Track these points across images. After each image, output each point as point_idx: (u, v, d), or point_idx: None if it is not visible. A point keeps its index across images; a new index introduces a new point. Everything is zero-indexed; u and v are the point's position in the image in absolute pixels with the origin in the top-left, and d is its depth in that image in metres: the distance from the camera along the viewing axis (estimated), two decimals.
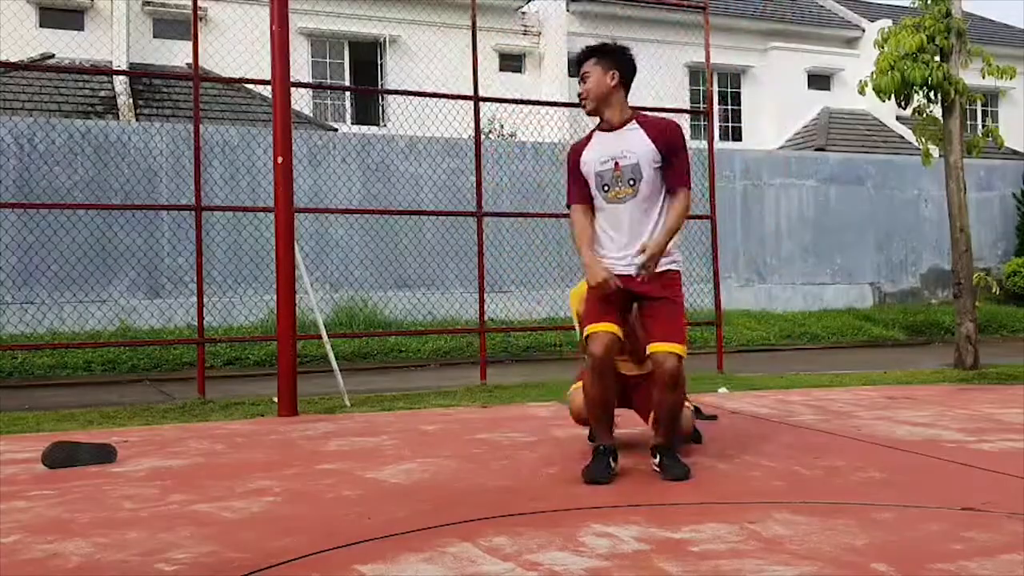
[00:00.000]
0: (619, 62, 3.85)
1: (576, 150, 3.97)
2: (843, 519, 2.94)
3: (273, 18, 6.22)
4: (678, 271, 3.83)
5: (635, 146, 3.78)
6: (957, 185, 8.80)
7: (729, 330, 11.80)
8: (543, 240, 13.04)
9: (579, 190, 3.91)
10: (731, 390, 7.07)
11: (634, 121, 3.85)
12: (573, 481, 3.64)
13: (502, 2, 19.13)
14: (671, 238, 3.77)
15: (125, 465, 4.18)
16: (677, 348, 3.67)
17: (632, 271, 3.73)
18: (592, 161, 3.85)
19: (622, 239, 3.80)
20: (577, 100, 4.00)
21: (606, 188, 3.81)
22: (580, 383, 4.07)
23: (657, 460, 3.70)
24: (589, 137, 3.96)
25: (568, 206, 3.96)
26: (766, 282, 15.62)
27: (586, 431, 4.27)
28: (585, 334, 3.74)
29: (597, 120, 3.92)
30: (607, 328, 3.69)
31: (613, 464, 3.66)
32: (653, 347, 3.69)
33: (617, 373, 3.88)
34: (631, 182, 3.77)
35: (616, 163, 3.77)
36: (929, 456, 4.05)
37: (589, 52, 3.89)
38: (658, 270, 3.74)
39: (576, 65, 3.94)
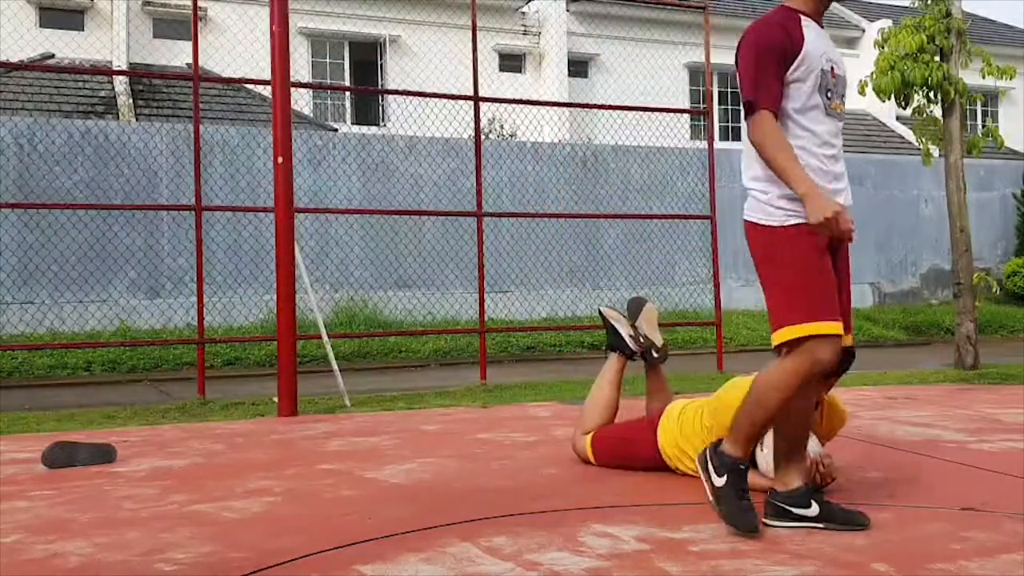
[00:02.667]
0: None
1: (783, 26, 2.82)
2: None
3: (273, 18, 6.22)
4: None
5: (841, 59, 2.97)
6: (957, 185, 8.80)
7: (729, 330, 11.79)
8: (543, 240, 13.04)
9: (778, 87, 2.80)
10: None
11: None
12: (573, 481, 3.64)
13: (502, 2, 19.13)
14: None
15: (125, 465, 4.18)
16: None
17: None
18: (817, 53, 2.83)
19: (837, 168, 2.90)
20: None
21: (829, 95, 2.86)
22: (594, 432, 3.88)
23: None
24: (791, 17, 2.86)
25: (753, 109, 2.81)
26: None
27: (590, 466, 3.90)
28: (814, 332, 2.70)
29: None
30: (840, 331, 2.76)
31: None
32: (847, 339, 2.91)
33: None
34: (842, 97, 2.95)
35: (833, 68, 2.88)
36: (929, 456, 4.05)
37: None
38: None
39: None
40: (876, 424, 5.02)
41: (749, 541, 2.71)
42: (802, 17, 2.87)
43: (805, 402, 2.85)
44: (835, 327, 2.73)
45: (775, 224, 2.83)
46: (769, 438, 3.32)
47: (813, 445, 3.29)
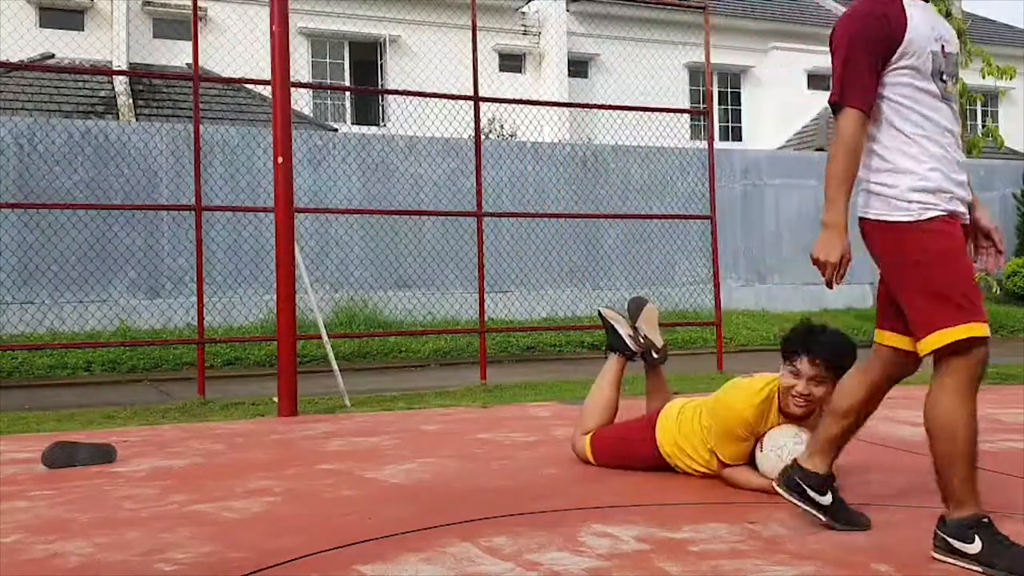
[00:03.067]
0: None
1: (882, 13, 2.56)
2: None
3: (273, 18, 6.22)
4: None
5: (951, 35, 2.72)
6: None
7: (729, 330, 11.79)
8: (543, 240, 13.04)
9: (872, 83, 2.57)
10: None
11: None
12: (573, 481, 3.64)
13: (502, 2, 19.13)
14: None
15: (125, 465, 4.18)
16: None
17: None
18: (926, 34, 2.59)
19: (960, 156, 2.62)
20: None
21: (943, 78, 2.60)
22: (594, 431, 3.91)
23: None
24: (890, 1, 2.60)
25: (840, 106, 2.58)
26: (766, 282, 15.61)
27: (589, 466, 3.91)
28: (970, 334, 2.45)
29: None
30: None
31: None
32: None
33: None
34: (954, 78, 2.66)
35: (943, 47, 2.62)
36: (929, 456, 4.04)
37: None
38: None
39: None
40: (876, 424, 5.01)
41: (749, 541, 2.71)
42: None
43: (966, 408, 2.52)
44: (986, 329, 2.49)
45: (910, 219, 2.54)
46: (768, 438, 3.32)
47: None
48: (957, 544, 2.44)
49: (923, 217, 2.53)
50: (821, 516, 2.79)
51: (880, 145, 2.61)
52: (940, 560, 2.47)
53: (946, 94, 2.61)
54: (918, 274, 2.53)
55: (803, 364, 3.19)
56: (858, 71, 2.55)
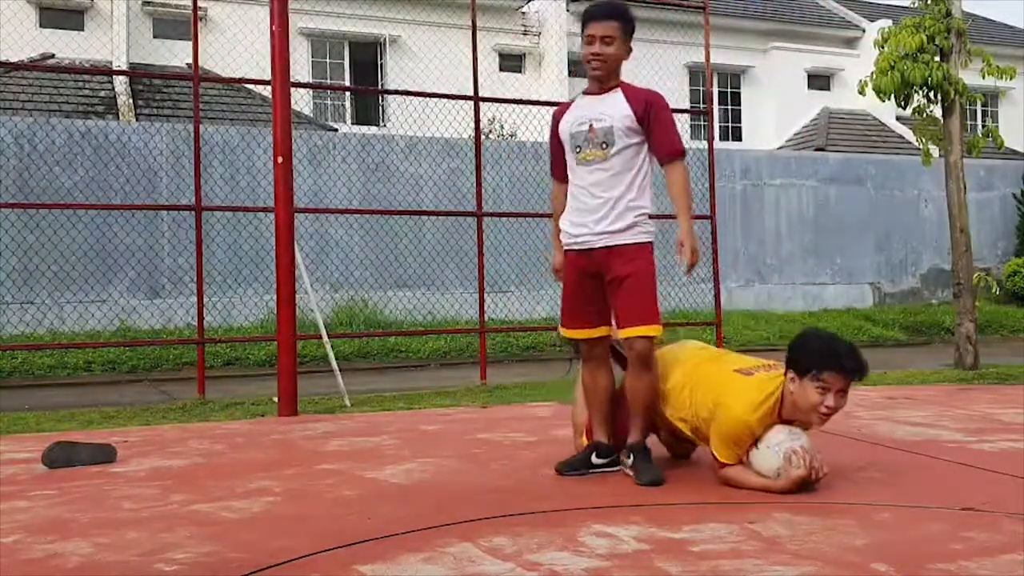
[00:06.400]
0: (633, 32, 3.74)
1: (555, 117, 3.86)
2: (843, 519, 2.94)
3: (273, 18, 6.22)
4: (647, 243, 3.71)
5: (612, 109, 3.65)
6: (957, 185, 8.80)
7: (729, 330, 11.79)
8: (543, 240, 13.01)
9: (556, 164, 3.87)
10: None
11: (619, 88, 3.71)
12: (573, 481, 3.64)
13: (502, 2, 19.14)
14: (690, 216, 3.71)
15: (125, 465, 4.18)
16: (644, 330, 3.55)
17: (598, 244, 3.65)
18: (569, 123, 3.74)
19: (592, 201, 3.67)
20: (584, 61, 3.70)
21: (578, 149, 3.69)
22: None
23: (630, 461, 3.61)
24: (567, 104, 3.88)
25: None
26: (766, 282, 15.61)
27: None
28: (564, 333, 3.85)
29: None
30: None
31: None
32: (622, 333, 3.60)
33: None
34: (603, 145, 3.64)
35: (591, 125, 3.66)
36: (929, 456, 4.05)
37: (614, 13, 3.66)
38: (620, 242, 3.63)
39: (592, 20, 3.65)
40: (876, 424, 5.02)
41: (749, 541, 2.71)
42: (578, 98, 3.81)
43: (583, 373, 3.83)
44: (567, 332, 3.81)
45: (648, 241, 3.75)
46: (765, 436, 3.33)
47: (805, 440, 3.31)
48: (623, 459, 3.64)
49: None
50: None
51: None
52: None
53: (580, 161, 3.68)
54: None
55: (832, 379, 3.21)
56: (553, 152, 3.92)
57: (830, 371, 3.19)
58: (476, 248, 8.64)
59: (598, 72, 3.66)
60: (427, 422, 5.55)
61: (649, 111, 3.63)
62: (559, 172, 3.87)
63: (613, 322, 3.70)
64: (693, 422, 3.57)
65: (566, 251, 3.78)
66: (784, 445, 3.26)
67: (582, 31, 3.70)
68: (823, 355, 3.23)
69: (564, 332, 3.81)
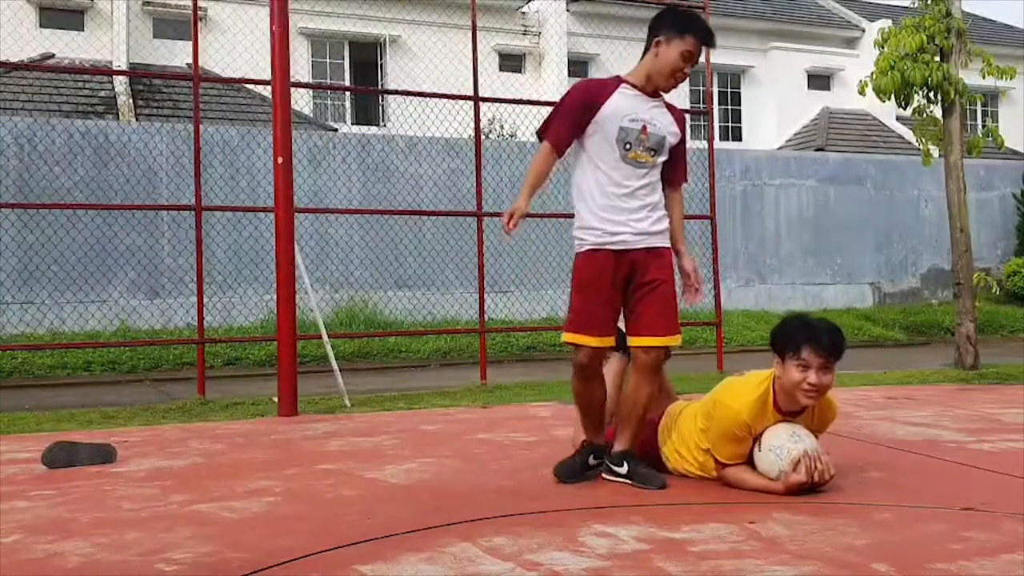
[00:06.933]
0: (659, 39, 3.62)
1: (591, 92, 3.59)
2: (843, 519, 2.94)
3: (273, 18, 6.22)
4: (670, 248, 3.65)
5: (664, 120, 3.58)
6: (957, 185, 8.80)
7: (729, 330, 11.79)
8: (543, 240, 13.03)
9: (566, 132, 3.60)
10: None
11: (661, 98, 3.64)
12: None
13: (502, 2, 19.13)
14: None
15: (125, 465, 4.18)
16: (670, 340, 3.50)
17: (639, 244, 3.50)
18: (619, 114, 3.53)
19: (632, 203, 3.52)
20: (677, 78, 3.57)
21: (627, 146, 3.51)
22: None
23: (626, 470, 3.51)
24: (610, 86, 3.61)
25: (540, 139, 3.63)
26: (766, 282, 15.62)
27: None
28: (568, 340, 3.53)
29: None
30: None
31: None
32: (651, 340, 3.47)
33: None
34: (653, 152, 3.55)
35: (645, 127, 3.52)
36: (929, 456, 4.05)
37: (710, 39, 3.61)
38: (658, 244, 3.54)
39: (703, 44, 3.57)
40: (876, 424, 5.02)
41: (749, 541, 2.71)
42: (623, 87, 3.59)
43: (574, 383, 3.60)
44: (581, 339, 3.50)
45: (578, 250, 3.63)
46: (765, 437, 3.33)
47: (810, 443, 3.30)
48: (614, 467, 3.54)
49: (579, 250, 3.59)
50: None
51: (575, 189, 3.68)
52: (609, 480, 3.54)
53: (628, 160, 3.51)
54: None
55: (809, 355, 3.22)
56: (564, 118, 3.60)
57: (806, 347, 3.23)
58: (476, 248, 8.64)
59: (673, 87, 3.61)
60: (427, 422, 5.55)
61: (683, 137, 3.66)
62: (559, 138, 3.60)
63: (624, 326, 3.59)
64: (696, 457, 3.54)
65: (593, 251, 3.52)
66: (785, 448, 3.26)
67: (687, 46, 3.51)
68: (799, 333, 3.28)
69: (577, 339, 3.48)
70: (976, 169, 16.28)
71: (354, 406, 6.57)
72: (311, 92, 17.75)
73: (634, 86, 3.58)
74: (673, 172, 3.67)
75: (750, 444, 3.36)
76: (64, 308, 11.04)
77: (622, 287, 3.52)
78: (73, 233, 10.94)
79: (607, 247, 3.49)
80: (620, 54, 19.84)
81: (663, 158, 3.59)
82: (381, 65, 18.89)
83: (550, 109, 3.77)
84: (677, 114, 3.65)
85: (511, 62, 20.02)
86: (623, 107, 3.53)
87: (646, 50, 3.59)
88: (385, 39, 18.60)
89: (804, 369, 3.23)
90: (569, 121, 3.57)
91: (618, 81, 3.62)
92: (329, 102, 18.44)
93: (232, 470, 4.05)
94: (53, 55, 15.58)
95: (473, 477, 3.78)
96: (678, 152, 3.67)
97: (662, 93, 3.62)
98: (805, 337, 3.25)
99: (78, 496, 3.52)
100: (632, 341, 3.52)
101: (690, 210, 13.55)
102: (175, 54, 16.09)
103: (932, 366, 9.31)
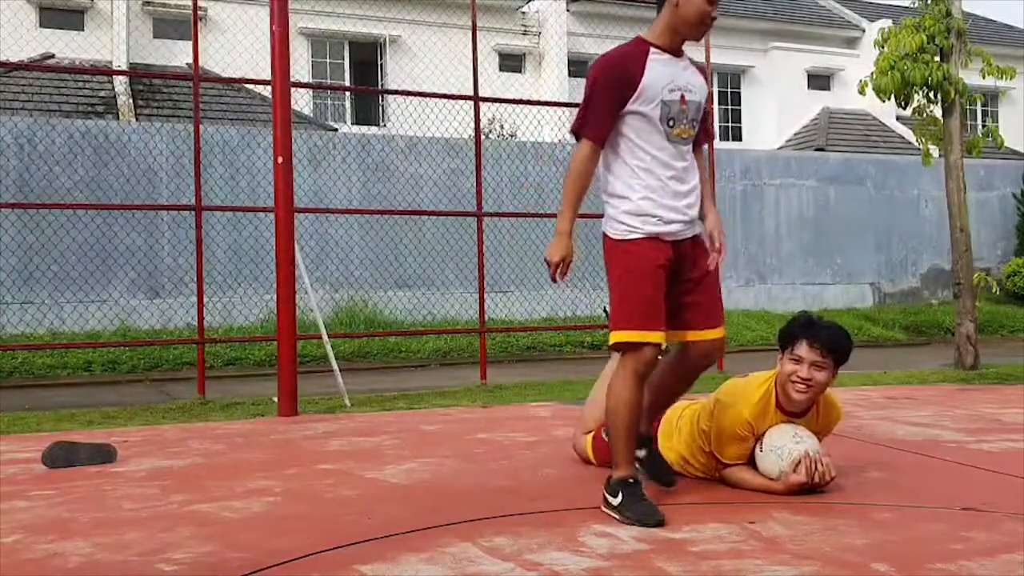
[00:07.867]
0: None
1: (620, 65, 3.05)
2: (843, 519, 2.94)
3: (273, 18, 6.22)
4: None
5: (697, 81, 3.15)
6: (957, 185, 8.80)
7: (729, 330, 11.73)
8: (543, 240, 13.02)
9: (608, 121, 3.04)
10: None
11: (685, 56, 3.18)
12: (573, 481, 3.64)
13: (502, 2, 19.13)
14: None
15: (125, 465, 4.17)
16: (724, 331, 3.29)
17: (689, 234, 3.14)
18: (658, 85, 3.04)
19: (682, 187, 3.11)
20: (707, 24, 3.07)
21: (671, 123, 3.06)
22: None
23: (647, 454, 3.36)
24: (639, 53, 3.08)
25: (577, 137, 3.08)
26: (766, 282, 15.61)
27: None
28: (630, 339, 3.03)
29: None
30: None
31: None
32: (712, 333, 3.23)
33: None
34: (693, 123, 3.13)
35: (683, 96, 3.07)
36: (929, 456, 4.05)
37: None
38: (698, 233, 3.20)
39: None
40: (876, 424, 5.02)
41: (749, 541, 2.71)
42: (653, 51, 3.09)
43: (627, 393, 3.08)
44: (649, 336, 3.03)
45: (618, 238, 3.15)
46: (767, 438, 3.33)
47: (812, 444, 3.30)
48: (608, 498, 3.03)
49: (627, 237, 3.08)
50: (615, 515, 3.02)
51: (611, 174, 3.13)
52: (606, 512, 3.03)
53: (674, 138, 3.08)
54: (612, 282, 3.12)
55: (803, 349, 3.24)
56: (602, 105, 3.03)
57: (803, 341, 3.25)
58: (476, 248, 8.64)
59: (705, 32, 3.11)
60: (427, 422, 5.55)
61: (709, 92, 3.28)
62: (603, 131, 3.05)
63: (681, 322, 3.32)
64: (699, 458, 3.53)
65: (648, 239, 3.06)
66: (786, 448, 3.26)
67: None
68: (799, 329, 3.31)
69: (642, 336, 3.01)
70: (976, 169, 16.28)
71: (354, 406, 6.57)
72: (311, 92, 17.75)
73: (663, 49, 3.09)
74: (703, 132, 3.29)
75: (752, 444, 3.36)
76: (64, 308, 11.04)
77: (671, 280, 3.13)
78: (73, 233, 10.94)
79: (665, 236, 3.08)
80: None
81: (699, 128, 3.21)
82: (381, 65, 18.89)
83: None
84: (699, 68, 3.25)
85: (511, 62, 20.01)
86: (661, 76, 3.04)
87: (660, 5, 3.11)
88: (385, 39, 18.60)
89: (797, 363, 3.25)
90: (607, 107, 3.04)
91: (644, 44, 3.10)
92: (329, 102, 18.44)
93: (232, 470, 4.05)
94: (53, 55, 15.58)
95: (473, 477, 3.78)
96: (705, 111, 3.28)
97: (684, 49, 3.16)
98: (804, 332, 3.28)
99: (78, 496, 3.52)
100: (692, 335, 3.20)
101: None
102: (175, 54, 16.09)
103: (932, 366, 9.31)
